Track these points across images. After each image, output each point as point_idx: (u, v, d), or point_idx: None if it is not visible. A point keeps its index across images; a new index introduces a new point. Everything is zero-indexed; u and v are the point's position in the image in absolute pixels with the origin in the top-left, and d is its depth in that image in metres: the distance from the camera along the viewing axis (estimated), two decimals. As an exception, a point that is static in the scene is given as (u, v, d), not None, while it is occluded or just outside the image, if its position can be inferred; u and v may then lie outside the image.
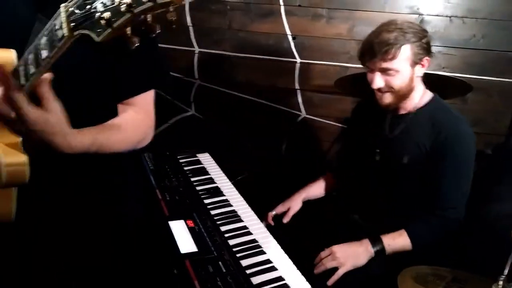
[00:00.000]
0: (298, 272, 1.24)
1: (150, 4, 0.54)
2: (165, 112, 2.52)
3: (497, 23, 2.19)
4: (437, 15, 2.23)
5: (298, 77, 2.41)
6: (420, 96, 1.54)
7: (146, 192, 1.57)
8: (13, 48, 0.90)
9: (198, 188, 1.69)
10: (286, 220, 1.63)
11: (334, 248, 1.39)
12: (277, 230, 1.46)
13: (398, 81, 1.45)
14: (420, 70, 1.48)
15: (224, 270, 1.20)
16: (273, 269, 1.24)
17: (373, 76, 1.47)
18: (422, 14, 2.24)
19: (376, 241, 1.41)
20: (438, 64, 2.28)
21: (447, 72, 2.25)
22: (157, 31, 0.58)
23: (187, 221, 1.41)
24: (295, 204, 1.71)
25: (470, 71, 2.25)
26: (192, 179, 1.76)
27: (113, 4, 0.56)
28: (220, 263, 1.23)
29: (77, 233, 1.13)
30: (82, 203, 1.12)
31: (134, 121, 1.03)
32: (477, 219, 1.57)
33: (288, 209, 1.69)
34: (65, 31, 0.63)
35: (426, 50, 1.46)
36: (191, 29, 2.40)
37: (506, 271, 1.00)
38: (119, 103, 1.05)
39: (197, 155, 1.99)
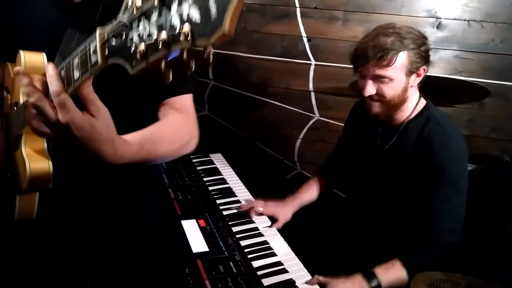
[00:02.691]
0: (309, 276, 1.24)
1: (187, 44, 0.52)
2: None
3: (517, 27, 2.15)
4: (455, 19, 2.20)
5: (312, 79, 2.40)
6: (413, 106, 1.44)
7: (161, 191, 1.59)
8: (44, 51, 0.93)
9: (211, 188, 1.70)
10: (277, 227, 1.49)
11: None
12: (288, 233, 1.45)
13: (391, 91, 1.36)
14: (415, 80, 1.38)
15: (235, 271, 1.21)
16: (284, 271, 1.24)
17: (365, 82, 1.37)
18: (439, 18, 2.21)
19: (370, 277, 1.25)
20: (455, 68, 2.25)
21: (464, 76, 2.21)
22: (192, 69, 0.56)
23: (199, 221, 1.42)
24: (285, 216, 1.54)
25: (487, 76, 2.21)
26: (205, 179, 1.77)
27: (150, 38, 0.55)
28: (231, 263, 1.23)
29: (92, 231, 1.15)
30: (99, 202, 1.14)
31: (177, 122, 1.01)
32: (494, 227, 1.54)
33: (276, 219, 1.53)
34: (99, 58, 0.62)
35: (424, 58, 1.35)
36: (206, 30, 2.42)
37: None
38: (160, 105, 1.03)
39: (210, 155, 2.00)
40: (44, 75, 0.74)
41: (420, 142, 1.38)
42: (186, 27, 0.51)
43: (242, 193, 1.68)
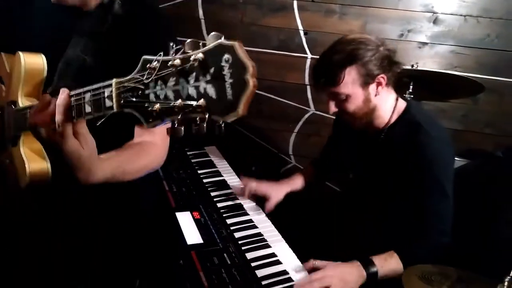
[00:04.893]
0: (302, 266, 1.25)
1: (202, 115, 0.57)
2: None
3: (513, 23, 2.16)
4: (451, 14, 2.20)
5: (308, 72, 2.40)
6: (391, 110, 1.40)
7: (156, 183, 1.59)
8: (45, 52, 0.94)
9: (205, 180, 1.70)
10: (268, 211, 1.52)
11: (328, 271, 1.20)
12: (282, 225, 1.46)
13: (351, 105, 1.35)
14: (377, 89, 1.35)
15: (229, 262, 1.21)
16: (277, 262, 1.25)
17: (328, 101, 1.39)
18: (436, 13, 2.21)
19: (368, 264, 1.25)
20: (450, 63, 2.26)
21: (459, 71, 2.22)
22: (204, 133, 0.60)
23: (193, 213, 1.42)
24: (277, 195, 1.57)
25: (483, 71, 2.22)
26: (199, 171, 1.77)
27: (166, 101, 0.60)
28: (225, 255, 1.24)
29: (88, 222, 1.15)
30: (95, 195, 1.13)
31: (153, 149, 1.03)
32: (486, 221, 1.56)
33: (269, 198, 1.56)
34: (114, 105, 0.67)
35: (382, 67, 1.32)
36: (202, 22, 2.41)
37: (512, 272, 0.99)
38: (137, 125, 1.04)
39: (205, 148, 2.00)
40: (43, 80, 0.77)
41: (404, 148, 1.35)
42: (203, 101, 0.57)
43: (237, 186, 1.68)
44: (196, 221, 1.38)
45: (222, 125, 0.59)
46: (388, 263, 1.27)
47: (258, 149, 2.53)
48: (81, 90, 0.74)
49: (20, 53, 0.92)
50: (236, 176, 1.76)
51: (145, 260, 1.29)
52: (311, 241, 1.50)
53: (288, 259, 1.27)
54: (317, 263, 1.23)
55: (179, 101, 0.58)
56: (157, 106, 0.61)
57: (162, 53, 0.61)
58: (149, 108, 0.61)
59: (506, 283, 0.99)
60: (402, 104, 1.43)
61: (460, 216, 1.36)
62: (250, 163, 2.31)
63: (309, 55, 2.37)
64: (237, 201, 1.57)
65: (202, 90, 0.57)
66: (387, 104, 1.41)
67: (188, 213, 1.42)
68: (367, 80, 1.32)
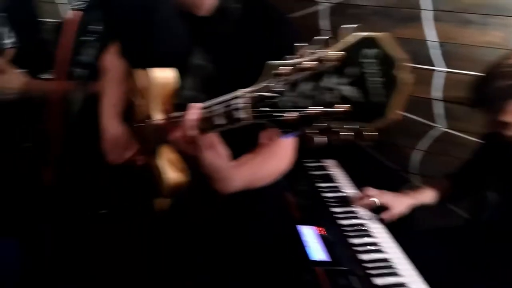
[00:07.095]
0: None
1: (341, 124, 0.51)
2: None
3: None
4: None
5: (442, 87, 2.22)
6: None
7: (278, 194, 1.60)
8: (170, 65, 0.99)
9: (325, 195, 1.67)
10: (386, 220, 1.47)
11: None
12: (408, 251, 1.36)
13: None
14: None
15: (355, 286, 1.17)
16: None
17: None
18: None
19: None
20: None
21: None
22: (342, 142, 0.55)
23: (317, 228, 1.41)
24: (399, 206, 1.51)
25: None
26: (319, 185, 1.75)
27: (302, 109, 0.55)
28: (352, 277, 1.20)
29: (213, 230, 1.20)
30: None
31: (281, 151, 1.04)
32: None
33: (389, 207, 1.51)
34: (248, 116, 0.64)
35: None
36: (324, 34, 2.39)
37: None
38: None
39: (323, 160, 1.98)
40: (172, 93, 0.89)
41: None
42: (344, 106, 0.49)
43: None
44: (321, 236, 1.37)
45: (365, 134, 0.50)
46: None
47: (377, 165, 2.43)
48: (210, 103, 0.73)
49: (152, 69, 0.97)
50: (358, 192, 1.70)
51: (269, 272, 1.31)
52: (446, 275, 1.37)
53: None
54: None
55: (318, 108, 0.52)
56: (293, 114, 0.55)
57: (289, 57, 0.56)
58: (284, 118, 0.56)
59: None
60: None
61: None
62: (368, 179, 2.22)
63: (443, 68, 2.19)
64: (362, 221, 1.52)
65: (341, 94, 0.49)
66: None
67: (313, 227, 1.41)
68: None
